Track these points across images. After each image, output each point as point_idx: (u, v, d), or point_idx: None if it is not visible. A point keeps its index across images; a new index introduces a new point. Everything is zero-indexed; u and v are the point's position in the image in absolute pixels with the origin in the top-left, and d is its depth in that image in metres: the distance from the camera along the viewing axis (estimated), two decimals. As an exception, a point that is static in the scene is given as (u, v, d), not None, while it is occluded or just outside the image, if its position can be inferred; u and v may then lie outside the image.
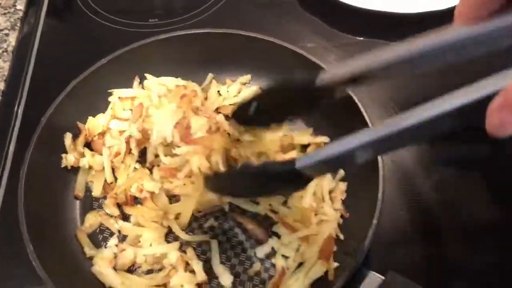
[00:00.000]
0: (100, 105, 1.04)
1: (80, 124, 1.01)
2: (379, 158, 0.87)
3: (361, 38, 1.23)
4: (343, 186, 0.95)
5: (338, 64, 0.60)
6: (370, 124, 0.89)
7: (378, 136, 0.55)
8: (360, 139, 0.57)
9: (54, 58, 1.24)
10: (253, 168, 0.72)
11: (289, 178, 0.66)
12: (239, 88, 1.08)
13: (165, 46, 1.07)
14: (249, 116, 0.81)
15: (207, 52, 1.08)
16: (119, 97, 1.04)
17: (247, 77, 1.10)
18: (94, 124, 1.01)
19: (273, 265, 0.88)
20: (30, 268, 0.79)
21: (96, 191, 0.96)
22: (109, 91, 1.04)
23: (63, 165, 0.97)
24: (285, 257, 0.88)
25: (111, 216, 0.93)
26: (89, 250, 0.90)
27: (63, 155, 0.97)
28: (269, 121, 0.84)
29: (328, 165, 0.63)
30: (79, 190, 0.97)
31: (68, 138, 0.99)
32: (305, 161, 0.63)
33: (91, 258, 0.89)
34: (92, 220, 0.93)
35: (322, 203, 0.92)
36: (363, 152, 0.57)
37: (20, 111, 1.13)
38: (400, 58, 0.56)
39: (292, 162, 0.63)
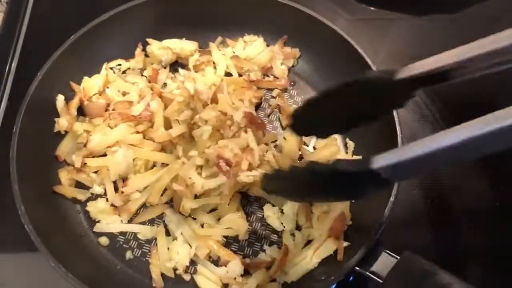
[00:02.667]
0: (94, 66, 0.97)
1: (74, 85, 0.94)
2: (398, 131, 0.82)
3: (373, 8, 1.17)
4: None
5: (415, 63, 0.56)
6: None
7: (463, 139, 0.48)
8: (443, 142, 0.49)
9: (51, 10, 1.15)
10: (321, 167, 0.61)
11: (362, 180, 0.55)
12: (243, 46, 1.02)
13: (165, 3, 0.99)
14: (308, 125, 0.73)
15: (210, 11, 1.01)
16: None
17: (251, 37, 1.03)
18: (90, 84, 0.94)
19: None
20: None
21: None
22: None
23: (55, 130, 0.90)
24: (293, 235, 0.84)
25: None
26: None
27: (56, 119, 0.90)
28: (331, 130, 0.75)
29: (408, 168, 0.53)
30: (62, 152, 0.89)
31: (60, 100, 0.91)
32: (382, 161, 0.53)
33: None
34: (65, 176, 0.87)
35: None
36: (446, 155, 0.49)
37: (14, 64, 1.04)
38: (482, 54, 0.51)
39: (366, 161, 0.53)
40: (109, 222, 0.84)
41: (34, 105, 0.85)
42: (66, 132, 0.91)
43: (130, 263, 0.82)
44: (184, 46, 1.00)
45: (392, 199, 0.76)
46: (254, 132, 0.86)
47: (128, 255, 0.83)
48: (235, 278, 0.79)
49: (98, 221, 0.85)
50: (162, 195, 0.86)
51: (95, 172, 0.88)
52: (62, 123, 0.89)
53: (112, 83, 0.96)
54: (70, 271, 0.72)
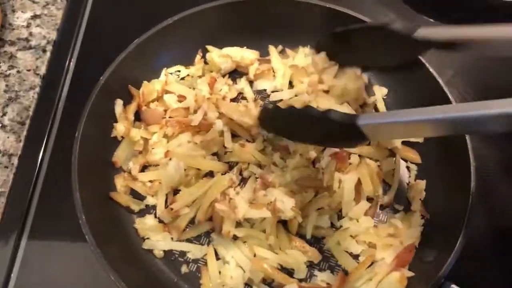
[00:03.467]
0: (154, 72, 0.96)
1: (132, 89, 0.92)
2: (471, 159, 0.78)
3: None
4: (422, 184, 0.86)
5: (436, 27, 0.72)
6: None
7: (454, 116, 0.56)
8: (432, 114, 0.58)
9: (109, 12, 1.13)
10: (314, 111, 0.70)
11: (348, 131, 0.66)
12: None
13: (228, 11, 0.96)
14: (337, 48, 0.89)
15: (270, 20, 0.98)
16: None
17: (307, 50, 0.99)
18: (149, 88, 0.92)
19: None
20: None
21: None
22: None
23: (113, 135, 0.89)
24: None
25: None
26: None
27: (114, 125, 0.89)
28: (354, 61, 0.89)
29: (390, 131, 0.64)
30: (119, 158, 0.88)
31: (119, 105, 0.90)
32: (367, 119, 0.63)
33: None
34: (120, 183, 0.86)
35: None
36: (432, 127, 0.59)
37: (72, 64, 1.03)
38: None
39: (354, 116, 0.64)
40: (158, 239, 0.82)
41: (95, 110, 0.84)
42: (123, 137, 0.89)
43: (185, 278, 0.80)
44: (244, 54, 0.97)
45: (464, 231, 0.72)
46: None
47: (184, 269, 0.80)
48: (291, 302, 0.76)
49: (147, 238, 0.83)
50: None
51: (151, 181, 0.87)
52: (119, 128, 0.88)
53: (169, 85, 0.95)
54: (123, 279, 0.70)
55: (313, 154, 0.86)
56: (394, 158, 0.89)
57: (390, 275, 0.75)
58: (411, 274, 0.75)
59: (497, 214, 0.87)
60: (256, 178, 0.86)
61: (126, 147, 0.89)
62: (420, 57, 0.86)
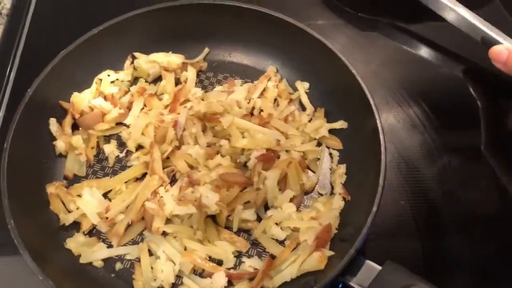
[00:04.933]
0: (85, 81, 0.99)
1: (63, 103, 0.95)
2: (382, 141, 0.83)
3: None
4: (342, 168, 0.91)
5: None
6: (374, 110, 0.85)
7: None
8: None
9: (50, 22, 1.18)
10: None
11: None
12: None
13: (155, 17, 1.00)
14: None
15: (199, 26, 1.03)
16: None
17: None
18: (79, 98, 0.95)
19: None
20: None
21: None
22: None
23: (57, 153, 0.92)
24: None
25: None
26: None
27: (54, 143, 0.92)
28: None
29: None
30: (69, 171, 0.92)
31: (53, 124, 0.93)
32: None
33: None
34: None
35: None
36: None
37: (12, 76, 1.06)
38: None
39: None
40: (94, 250, 0.84)
41: (26, 128, 0.87)
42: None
43: (119, 274, 0.84)
44: (170, 59, 1.01)
45: (374, 208, 0.77)
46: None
47: (118, 266, 0.84)
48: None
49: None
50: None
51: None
52: (60, 145, 0.91)
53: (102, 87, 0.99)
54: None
55: (243, 158, 0.90)
56: (319, 148, 0.94)
57: (311, 256, 0.80)
58: (331, 253, 0.80)
59: (416, 194, 0.93)
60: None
61: (72, 158, 0.92)
62: (335, 51, 0.93)
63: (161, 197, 0.85)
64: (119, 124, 0.96)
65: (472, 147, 0.99)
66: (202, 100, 0.96)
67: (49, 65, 0.91)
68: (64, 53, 0.93)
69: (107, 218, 0.84)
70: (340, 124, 0.95)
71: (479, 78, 1.07)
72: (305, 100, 1.00)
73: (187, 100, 0.97)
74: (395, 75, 1.09)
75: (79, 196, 0.88)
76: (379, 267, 0.74)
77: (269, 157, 0.88)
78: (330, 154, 0.95)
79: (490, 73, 1.02)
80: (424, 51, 1.12)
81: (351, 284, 0.74)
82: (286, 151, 0.92)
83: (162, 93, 1.00)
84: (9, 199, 0.79)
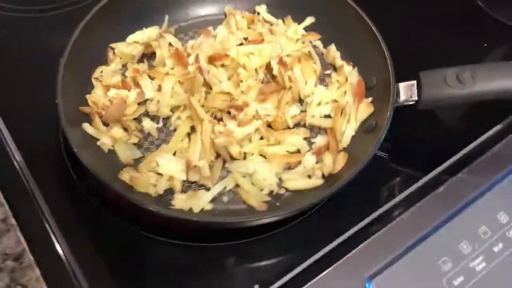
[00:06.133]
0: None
1: (83, 108, 0.97)
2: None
3: None
4: (331, 46, 1.12)
5: None
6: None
7: None
8: None
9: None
10: None
11: None
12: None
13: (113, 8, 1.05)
14: None
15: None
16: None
17: None
18: (95, 97, 0.99)
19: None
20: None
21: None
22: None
23: (106, 151, 0.94)
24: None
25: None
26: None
27: (98, 143, 0.94)
28: None
29: None
30: (125, 159, 0.94)
31: (88, 128, 0.95)
32: None
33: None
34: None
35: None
36: None
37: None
38: None
39: None
40: (199, 197, 0.90)
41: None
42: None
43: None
44: (148, 34, 1.08)
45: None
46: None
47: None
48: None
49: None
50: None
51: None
52: (105, 142, 0.93)
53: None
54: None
55: (260, 75, 1.05)
56: (304, 44, 1.13)
57: (359, 108, 0.98)
58: (371, 99, 1.00)
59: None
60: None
61: (121, 148, 0.95)
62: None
63: (221, 132, 0.95)
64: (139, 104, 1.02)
65: None
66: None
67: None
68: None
69: (195, 166, 0.92)
70: (309, 20, 1.14)
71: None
72: (268, 17, 1.16)
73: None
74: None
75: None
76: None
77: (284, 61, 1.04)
78: (314, 45, 1.14)
79: None
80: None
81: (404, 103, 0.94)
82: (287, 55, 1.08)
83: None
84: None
